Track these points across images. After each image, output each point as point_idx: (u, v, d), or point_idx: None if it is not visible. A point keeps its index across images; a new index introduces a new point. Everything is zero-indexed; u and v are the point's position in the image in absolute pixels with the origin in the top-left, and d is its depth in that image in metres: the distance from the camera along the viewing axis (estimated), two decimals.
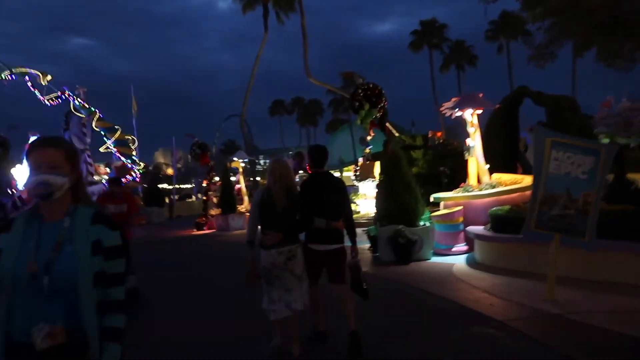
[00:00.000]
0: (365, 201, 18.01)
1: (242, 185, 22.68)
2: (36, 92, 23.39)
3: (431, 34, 50.16)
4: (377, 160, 18.64)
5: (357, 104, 10.81)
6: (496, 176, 10.88)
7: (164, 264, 11.88)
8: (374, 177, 18.11)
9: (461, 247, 9.93)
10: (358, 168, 18.89)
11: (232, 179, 22.16)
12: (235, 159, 22.27)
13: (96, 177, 29.91)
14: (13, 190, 31.89)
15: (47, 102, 23.76)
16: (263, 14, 35.66)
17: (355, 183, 19.13)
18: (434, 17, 50.56)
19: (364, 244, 12.09)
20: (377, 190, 17.37)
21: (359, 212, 18.08)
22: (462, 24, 67.78)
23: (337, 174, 33.52)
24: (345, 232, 4.62)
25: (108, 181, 7.91)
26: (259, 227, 4.39)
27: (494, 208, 8.97)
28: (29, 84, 23.12)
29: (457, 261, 9.10)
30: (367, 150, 18.68)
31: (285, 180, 4.25)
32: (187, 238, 18.24)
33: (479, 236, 8.80)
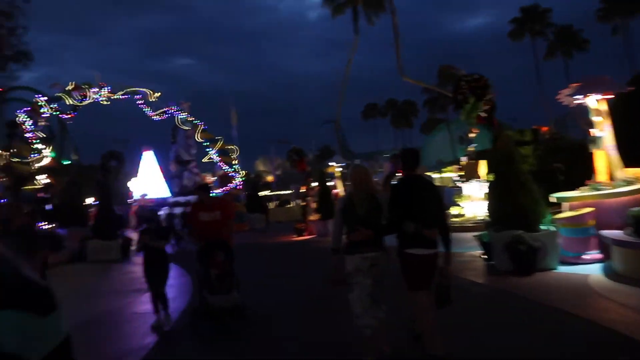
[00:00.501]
0: (470, 203, 16.78)
1: (339, 190, 22.41)
2: (146, 109, 25.15)
3: (533, 21, 46.60)
4: (483, 158, 17.37)
5: (460, 97, 9.91)
6: (632, 171, 9.37)
7: (269, 271, 11.82)
8: (480, 177, 16.88)
9: (594, 254, 8.58)
10: (461, 168, 17.71)
11: (329, 183, 21.97)
12: (332, 163, 22.05)
13: None
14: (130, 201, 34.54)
15: (156, 118, 25.47)
16: (353, 17, 35.37)
17: (459, 184, 17.96)
18: (535, 3, 46.96)
19: (473, 250, 11.11)
20: (487, 191, 16.38)
21: (463, 216, 16.90)
22: (567, 7, 62.34)
23: (435, 176, 32.17)
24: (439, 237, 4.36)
25: (196, 190, 7.58)
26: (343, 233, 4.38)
27: (635, 208, 7.61)
28: (140, 101, 24.89)
29: (591, 271, 7.83)
30: (471, 149, 17.45)
31: (366, 186, 4.26)
32: (288, 244, 18.28)
33: (619, 242, 7.49)
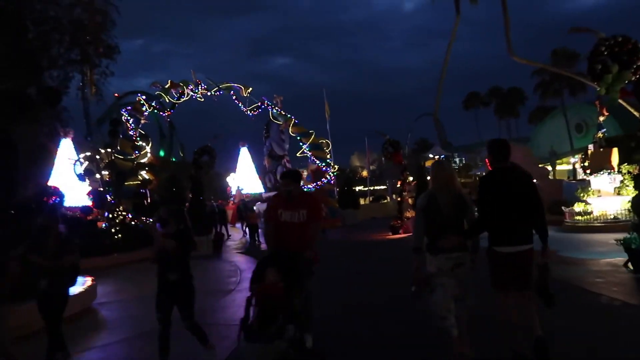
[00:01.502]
0: (599, 199, 14.21)
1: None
2: (240, 104, 25.17)
3: None
4: (614, 146, 14.68)
5: (599, 66, 7.88)
6: None
7: (357, 269, 10.61)
8: (612, 168, 14.24)
9: None
10: (586, 157, 15.10)
11: (428, 178, 20.19)
12: (430, 155, 20.24)
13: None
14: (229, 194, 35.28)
15: (249, 113, 25.40)
16: None
17: (585, 177, 15.36)
18: None
19: (610, 257, 9.04)
20: (618, 184, 13.82)
21: (590, 214, 14.37)
22: None
23: (549, 168, 28.74)
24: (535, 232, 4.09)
25: (282, 177, 5.31)
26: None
27: None
28: (234, 97, 24.95)
29: None
30: (600, 135, 14.80)
31: (451, 184, 4.12)
32: (381, 242, 16.94)
33: None
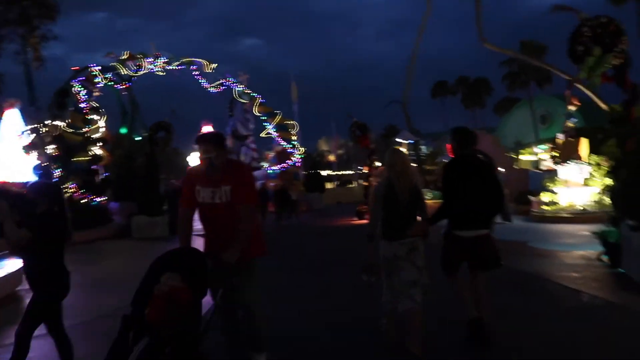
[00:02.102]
0: (567, 189, 14.00)
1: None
2: (202, 80, 23.87)
3: None
4: (584, 136, 14.48)
5: (581, 48, 7.41)
6: None
7: (322, 258, 9.97)
8: (580, 158, 14.05)
9: None
10: (556, 147, 14.87)
11: None
12: (398, 140, 19.75)
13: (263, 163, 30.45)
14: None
15: (211, 90, 24.16)
16: None
17: (552, 166, 15.17)
18: None
19: (582, 250, 8.74)
20: (587, 175, 13.64)
21: (556, 204, 14.17)
22: None
23: (515, 157, 28.80)
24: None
25: (197, 140, 3.82)
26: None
27: None
28: (196, 72, 23.63)
29: None
30: (570, 124, 14.57)
31: (407, 172, 4.16)
32: (346, 228, 16.36)
33: None
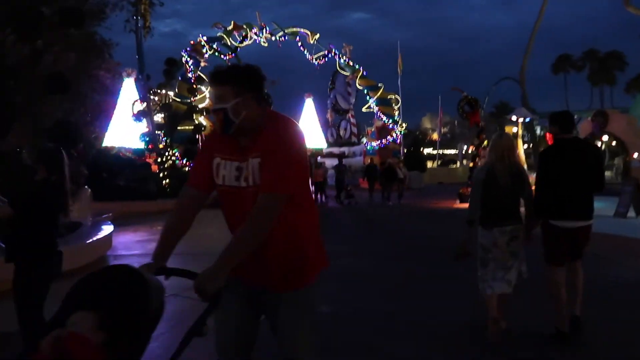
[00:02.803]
0: None
1: (520, 151, 18.16)
2: (305, 51, 23.49)
3: None
4: None
5: None
6: None
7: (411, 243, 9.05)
8: None
9: None
10: None
11: None
12: (513, 117, 17.77)
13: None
14: None
15: (314, 62, 23.71)
16: None
17: None
18: None
19: None
20: None
21: None
22: None
23: None
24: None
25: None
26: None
27: None
28: (299, 43, 23.29)
29: None
30: None
31: (510, 157, 3.97)
32: (445, 212, 15.09)
33: None
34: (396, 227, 11.78)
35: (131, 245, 9.06)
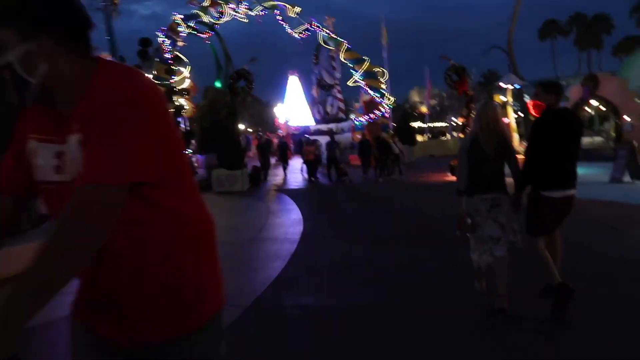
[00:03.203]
0: None
1: (510, 119, 17.77)
2: (285, 25, 22.64)
3: None
4: None
5: None
6: None
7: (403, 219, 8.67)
8: None
9: None
10: None
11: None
12: (502, 84, 17.29)
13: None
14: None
15: (296, 36, 22.88)
16: None
17: None
18: None
19: None
20: None
21: None
22: None
23: None
24: None
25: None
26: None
27: None
28: (279, 17, 22.42)
29: None
30: None
31: (495, 125, 4.01)
32: (438, 186, 14.71)
33: None
34: (391, 206, 11.37)
35: None
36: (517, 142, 16.25)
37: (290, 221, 9.32)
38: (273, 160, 22.98)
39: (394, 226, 8.51)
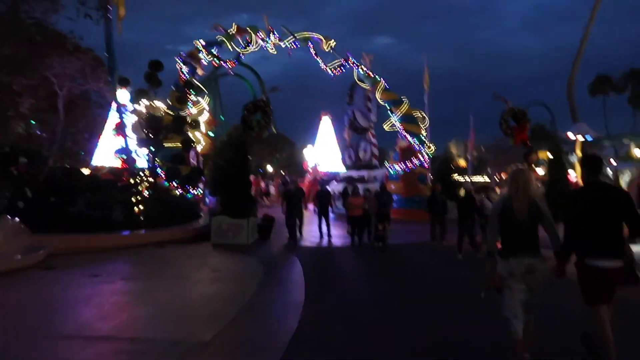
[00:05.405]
0: None
1: (578, 178, 14.73)
2: (319, 59, 20.56)
3: None
4: None
5: None
6: None
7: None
8: None
9: None
10: None
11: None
12: (570, 134, 14.35)
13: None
14: None
15: (329, 71, 20.72)
16: None
17: None
18: None
19: None
20: None
21: None
22: None
23: None
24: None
25: None
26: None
27: None
28: (312, 51, 20.38)
29: None
30: None
31: (528, 190, 4.06)
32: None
33: None
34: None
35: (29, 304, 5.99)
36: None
37: (283, 304, 6.49)
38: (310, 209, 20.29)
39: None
